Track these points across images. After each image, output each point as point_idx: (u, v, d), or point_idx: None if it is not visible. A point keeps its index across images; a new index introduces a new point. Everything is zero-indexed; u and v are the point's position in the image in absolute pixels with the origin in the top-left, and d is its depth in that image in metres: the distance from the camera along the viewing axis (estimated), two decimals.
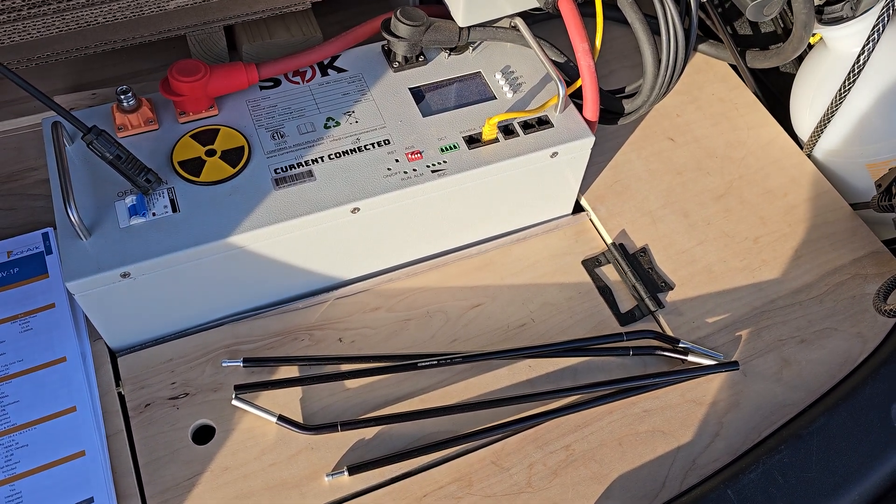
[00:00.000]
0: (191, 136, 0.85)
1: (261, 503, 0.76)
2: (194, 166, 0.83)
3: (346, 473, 0.77)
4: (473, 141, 0.87)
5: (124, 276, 0.76)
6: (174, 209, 0.80)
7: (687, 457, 0.81)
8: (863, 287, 0.94)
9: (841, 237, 0.99)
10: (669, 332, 0.90)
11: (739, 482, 0.78)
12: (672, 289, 0.93)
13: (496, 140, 0.87)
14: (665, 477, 0.80)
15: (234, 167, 0.83)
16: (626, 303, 0.93)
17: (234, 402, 0.80)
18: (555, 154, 0.88)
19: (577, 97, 0.93)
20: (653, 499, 0.78)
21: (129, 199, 0.79)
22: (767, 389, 0.86)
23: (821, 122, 1.01)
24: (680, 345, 0.88)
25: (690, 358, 0.87)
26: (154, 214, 0.79)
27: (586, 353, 0.88)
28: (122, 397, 0.82)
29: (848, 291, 0.94)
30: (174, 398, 0.82)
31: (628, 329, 0.90)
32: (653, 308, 0.91)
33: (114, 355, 0.85)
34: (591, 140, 0.90)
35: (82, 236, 0.76)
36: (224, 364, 0.84)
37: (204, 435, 0.81)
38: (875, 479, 0.79)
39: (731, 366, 0.87)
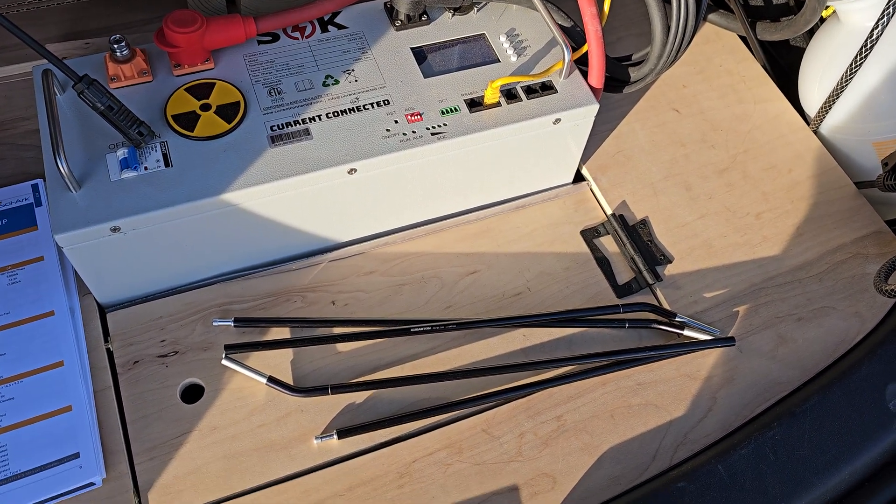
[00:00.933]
0: (185, 90, 0.83)
1: (249, 464, 0.76)
2: (188, 120, 0.81)
3: (335, 437, 0.77)
4: (475, 104, 0.85)
5: (114, 230, 0.75)
6: (167, 164, 0.78)
7: (679, 431, 0.81)
8: (863, 267, 0.93)
9: (844, 216, 0.98)
10: (666, 306, 0.89)
11: (730, 457, 0.77)
12: (671, 262, 0.92)
13: (498, 104, 0.85)
14: (656, 450, 0.79)
15: (229, 123, 0.81)
16: (623, 275, 0.92)
17: (224, 362, 0.79)
18: (558, 121, 0.87)
19: (582, 64, 0.91)
20: (643, 471, 0.78)
21: (121, 152, 0.77)
22: (762, 366, 0.85)
23: (830, 97, 0.99)
24: (676, 319, 0.87)
25: (686, 332, 0.86)
26: (146, 168, 0.77)
27: (581, 324, 0.87)
28: (110, 353, 0.81)
29: (848, 271, 0.93)
30: (163, 356, 0.81)
31: (625, 301, 0.90)
32: (650, 281, 0.90)
33: (103, 311, 0.84)
34: (596, 108, 0.88)
35: (72, 188, 0.75)
36: (215, 323, 0.83)
37: (193, 394, 0.80)
38: (866, 459, 0.79)
39: (727, 341, 0.86)
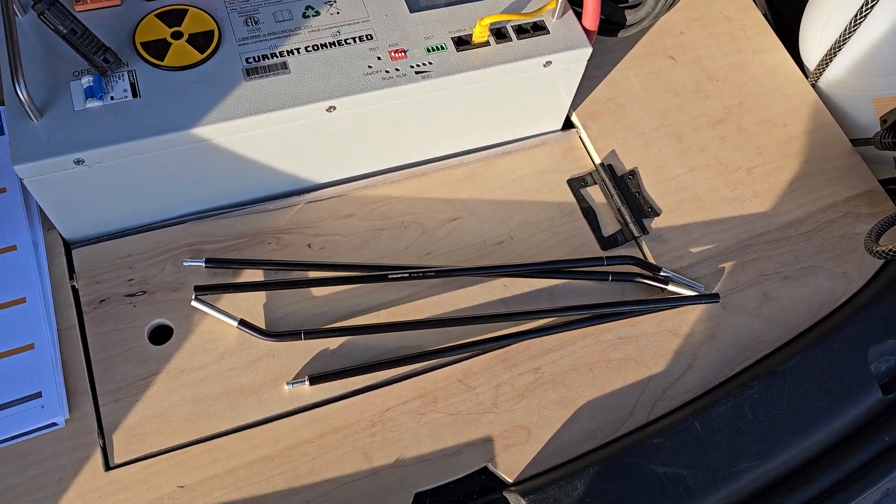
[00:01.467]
0: (156, 16, 0.78)
1: (218, 408, 0.74)
2: (158, 49, 0.76)
3: (307, 383, 0.75)
4: (462, 43, 0.81)
5: (78, 162, 0.71)
6: (134, 94, 0.74)
7: (658, 387, 0.80)
8: (854, 226, 0.91)
9: (837, 173, 0.95)
10: (651, 260, 0.87)
11: (708, 415, 0.76)
12: (658, 215, 0.90)
13: (487, 43, 0.81)
14: (633, 406, 0.78)
15: (202, 53, 0.77)
16: (609, 226, 0.89)
17: (194, 304, 0.77)
18: (548, 63, 0.83)
19: (576, 4, 0.87)
20: (619, 426, 0.77)
21: (86, 80, 0.73)
22: (746, 324, 0.84)
23: (831, 49, 0.95)
24: (661, 273, 0.85)
25: (670, 287, 0.84)
26: (112, 98, 0.73)
27: (564, 275, 0.84)
28: (75, 291, 0.78)
29: (838, 230, 0.91)
30: (131, 295, 0.79)
31: (609, 254, 0.87)
32: (637, 234, 0.88)
33: (68, 247, 0.81)
34: (589, 51, 0.84)
35: (33, 117, 0.71)
36: (185, 263, 0.80)
37: (161, 335, 0.78)
38: (844, 420, 0.78)
39: (711, 298, 0.84)
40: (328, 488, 0.71)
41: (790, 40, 1.06)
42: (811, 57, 1.01)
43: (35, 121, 0.71)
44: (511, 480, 0.73)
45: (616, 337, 0.82)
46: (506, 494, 0.72)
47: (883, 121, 0.92)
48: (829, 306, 0.86)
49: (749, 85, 1.01)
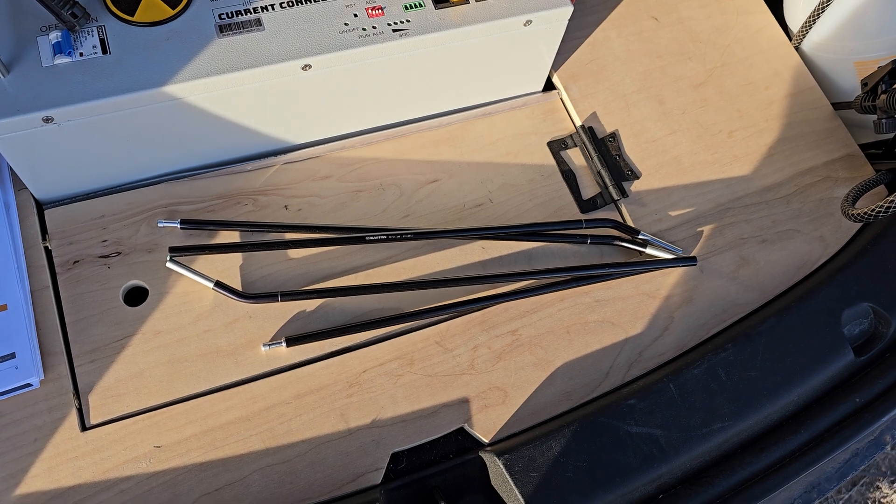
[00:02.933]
0: None
1: (194, 369, 0.74)
2: (129, 4, 0.74)
3: (283, 344, 0.75)
4: (441, 0, 0.80)
5: (47, 120, 0.69)
6: (104, 50, 0.72)
7: (634, 349, 0.80)
8: (832, 190, 0.92)
9: (817, 137, 0.95)
10: (630, 223, 0.87)
11: (682, 376, 0.77)
12: (638, 178, 0.90)
13: (466, 1, 0.80)
14: (609, 368, 0.79)
15: (173, 8, 0.75)
16: (589, 189, 0.89)
17: (169, 265, 0.76)
18: (528, 22, 0.81)
19: None
20: (594, 388, 0.78)
21: (54, 36, 0.71)
22: (722, 287, 0.84)
23: (815, 11, 0.95)
24: (639, 236, 0.85)
25: (648, 250, 0.84)
26: (81, 55, 0.71)
27: (543, 238, 0.84)
28: (48, 252, 0.77)
29: (816, 194, 0.91)
30: (105, 256, 0.78)
31: (588, 217, 0.87)
32: (616, 197, 0.88)
33: (41, 207, 0.80)
34: (570, 10, 0.83)
35: None
36: (160, 224, 0.79)
37: (136, 296, 0.77)
38: (816, 382, 0.79)
39: (689, 261, 0.84)
40: (304, 448, 0.71)
41: (774, 2, 1.05)
42: (795, 19, 1.00)
43: (2, 77, 0.69)
44: (487, 441, 0.74)
45: (593, 300, 0.82)
46: (481, 454, 0.73)
47: (864, 84, 0.91)
48: (805, 270, 0.86)
49: (732, 47, 1.00)
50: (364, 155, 0.87)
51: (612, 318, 0.81)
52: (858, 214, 0.80)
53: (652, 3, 1.01)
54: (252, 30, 0.75)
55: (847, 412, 0.79)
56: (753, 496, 0.73)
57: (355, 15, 0.77)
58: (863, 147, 0.96)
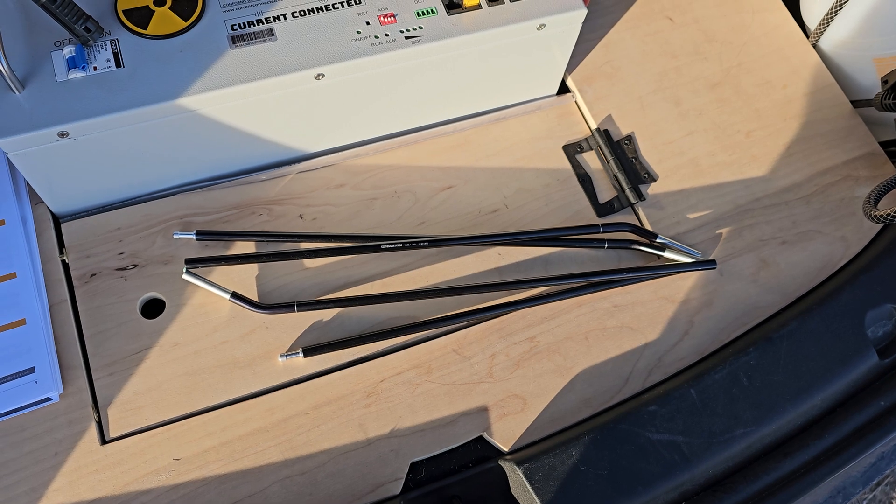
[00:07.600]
0: None
1: (212, 381, 0.74)
2: (141, 17, 0.74)
3: (300, 355, 0.75)
4: (453, 6, 0.79)
5: (62, 135, 0.70)
6: (118, 64, 0.72)
7: (653, 354, 0.79)
8: (853, 189, 0.90)
9: (837, 136, 0.94)
10: (648, 227, 0.86)
11: (703, 382, 0.76)
12: (655, 181, 0.89)
13: (478, 6, 0.79)
14: (629, 373, 0.78)
15: (186, 20, 0.75)
16: (605, 193, 0.88)
17: (185, 277, 0.76)
18: (542, 26, 0.81)
19: None
20: (615, 394, 0.77)
21: (68, 50, 0.71)
22: (742, 290, 0.83)
23: (833, 6, 0.93)
24: (657, 240, 0.84)
25: (667, 254, 0.83)
26: (95, 69, 0.72)
27: (559, 243, 0.84)
28: (66, 266, 0.78)
29: (837, 193, 0.90)
30: (122, 269, 0.78)
31: (605, 221, 0.86)
32: (633, 200, 0.87)
33: (57, 221, 0.80)
34: (584, 12, 0.82)
35: (14, 88, 0.69)
36: (176, 236, 0.79)
37: (153, 309, 0.77)
38: (840, 385, 0.78)
39: (708, 264, 0.83)
40: (323, 459, 0.71)
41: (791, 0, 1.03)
42: (812, 16, 0.99)
43: (17, 93, 0.69)
44: (507, 449, 0.74)
45: (612, 305, 0.81)
46: (501, 463, 0.72)
47: (884, 81, 0.90)
48: (826, 271, 0.85)
49: (748, 46, 0.99)
50: (378, 162, 0.87)
51: (630, 324, 0.81)
52: (881, 216, 0.79)
53: (666, 3, 1.00)
54: (265, 40, 0.75)
55: (872, 415, 0.77)
56: (778, 502, 0.72)
57: (367, 23, 0.77)
58: (884, 145, 0.94)
